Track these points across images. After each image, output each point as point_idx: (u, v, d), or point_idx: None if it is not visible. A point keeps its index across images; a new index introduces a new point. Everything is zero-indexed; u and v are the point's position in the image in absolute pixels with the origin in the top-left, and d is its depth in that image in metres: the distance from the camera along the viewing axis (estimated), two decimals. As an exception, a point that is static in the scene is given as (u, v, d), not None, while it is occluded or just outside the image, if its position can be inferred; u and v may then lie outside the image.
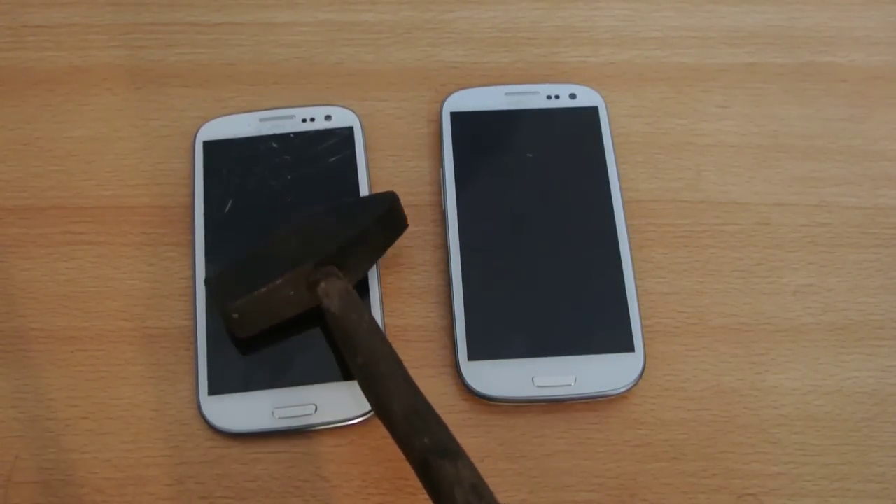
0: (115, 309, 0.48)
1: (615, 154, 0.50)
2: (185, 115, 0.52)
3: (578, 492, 0.44)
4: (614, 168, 0.50)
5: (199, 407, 0.45)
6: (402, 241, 0.49)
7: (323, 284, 0.43)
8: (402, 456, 0.44)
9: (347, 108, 0.51)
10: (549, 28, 0.55)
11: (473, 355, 0.46)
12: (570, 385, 0.45)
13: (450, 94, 0.52)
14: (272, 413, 0.44)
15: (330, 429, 0.45)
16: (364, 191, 0.49)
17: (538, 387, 0.45)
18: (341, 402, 0.45)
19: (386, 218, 0.46)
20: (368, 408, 0.44)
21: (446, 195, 0.49)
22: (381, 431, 0.45)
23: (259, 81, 0.53)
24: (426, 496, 0.44)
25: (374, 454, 0.45)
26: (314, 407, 0.44)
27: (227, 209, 0.48)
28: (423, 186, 0.51)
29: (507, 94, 0.52)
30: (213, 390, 0.45)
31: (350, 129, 0.51)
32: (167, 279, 0.48)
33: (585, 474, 0.44)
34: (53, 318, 0.47)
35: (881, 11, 0.56)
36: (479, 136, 0.51)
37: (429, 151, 0.52)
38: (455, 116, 0.51)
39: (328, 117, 0.51)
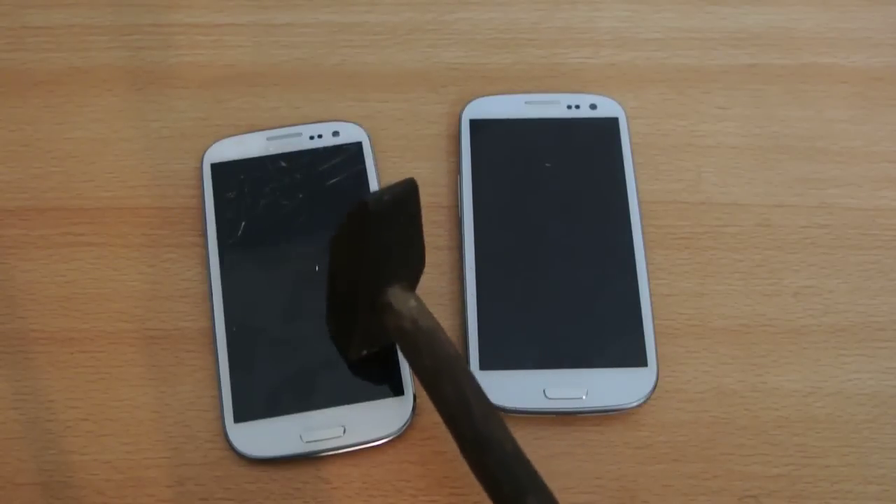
0: (116, 310, 0.48)
1: (634, 166, 0.50)
2: (186, 116, 0.52)
3: (579, 493, 0.44)
4: (633, 181, 0.50)
5: (225, 436, 0.44)
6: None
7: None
8: (402, 458, 0.44)
9: (355, 124, 0.51)
10: (550, 29, 0.55)
11: (485, 365, 0.45)
12: (582, 398, 0.45)
13: (468, 101, 0.52)
14: (300, 437, 0.44)
15: (359, 451, 0.44)
16: None
17: (549, 399, 0.45)
18: (370, 422, 0.44)
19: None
20: (396, 427, 0.44)
21: (463, 202, 0.49)
22: (381, 433, 0.45)
23: (259, 83, 0.53)
24: (427, 498, 0.44)
25: (375, 457, 0.45)
26: (342, 429, 0.44)
27: (240, 232, 0.48)
28: (425, 188, 0.51)
29: (527, 102, 0.52)
30: (239, 417, 0.44)
31: (359, 145, 0.50)
32: (167, 280, 0.48)
33: (586, 476, 0.44)
34: (54, 319, 0.47)
35: (882, 13, 0.56)
36: (497, 143, 0.51)
37: (429, 153, 0.52)
38: (474, 124, 0.51)
39: (336, 133, 0.51)
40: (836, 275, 0.49)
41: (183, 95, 0.53)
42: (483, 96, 0.52)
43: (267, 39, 0.55)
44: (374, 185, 0.49)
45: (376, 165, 0.50)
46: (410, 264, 0.43)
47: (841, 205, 0.51)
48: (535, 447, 0.45)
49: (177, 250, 0.49)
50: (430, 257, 0.49)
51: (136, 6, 0.56)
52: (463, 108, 0.52)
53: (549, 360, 0.46)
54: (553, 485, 0.44)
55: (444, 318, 0.47)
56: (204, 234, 0.49)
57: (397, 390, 0.45)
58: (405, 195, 0.40)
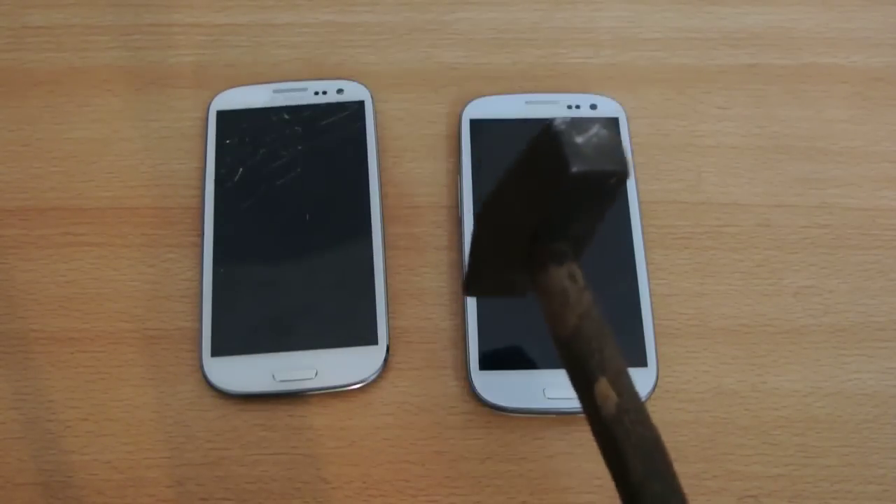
0: (116, 310, 0.48)
1: (634, 166, 0.50)
2: (186, 116, 0.52)
3: (579, 493, 0.44)
4: (633, 181, 0.50)
5: (201, 368, 0.46)
6: (404, 242, 0.49)
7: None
8: (402, 457, 0.44)
9: (359, 83, 0.52)
10: (550, 29, 0.55)
11: (485, 365, 0.45)
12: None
13: (468, 101, 0.52)
14: (273, 376, 0.45)
15: (330, 393, 0.45)
16: (373, 164, 0.50)
17: (549, 399, 0.45)
18: (342, 367, 0.45)
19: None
20: (368, 374, 0.45)
21: (463, 202, 0.49)
22: (381, 433, 0.45)
23: (259, 82, 0.53)
24: (427, 498, 0.44)
25: (375, 456, 0.45)
26: (314, 371, 0.45)
27: (237, 178, 0.50)
28: (424, 188, 0.51)
29: (527, 102, 0.52)
30: (216, 352, 0.46)
31: (361, 104, 0.52)
32: (167, 280, 0.48)
33: (586, 476, 0.44)
34: (54, 319, 0.47)
35: (882, 13, 0.56)
36: (497, 143, 0.51)
37: (429, 152, 0.52)
38: (474, 124, 0.51)
39: (340, 91, 0.52)
40: (836, 275, 0.49)
41: (183, 95, 0.53)
42: (483, 96, 0.52)
43: (267, 39, 0.55)
44: (371, 144, 0.50)
45: (376, 124, 0.51)
46: (581, 235, 0.36)
47: (841, 205, 0.51)
48: (535, 447, 0.45)
49: (177, 250, 0.49)
50: (431, 257, 0.49)
51: (136, 6, 0.56)
52: (463, 108, 0.52)
53: (549, 360, 0.46)
54: (553, 484, 0.44)
55: (444, 318, 0.48)
56: (202, 174, 0.50)
57: (371, 339, 0.46)
58: (609, 174, 0.32)
